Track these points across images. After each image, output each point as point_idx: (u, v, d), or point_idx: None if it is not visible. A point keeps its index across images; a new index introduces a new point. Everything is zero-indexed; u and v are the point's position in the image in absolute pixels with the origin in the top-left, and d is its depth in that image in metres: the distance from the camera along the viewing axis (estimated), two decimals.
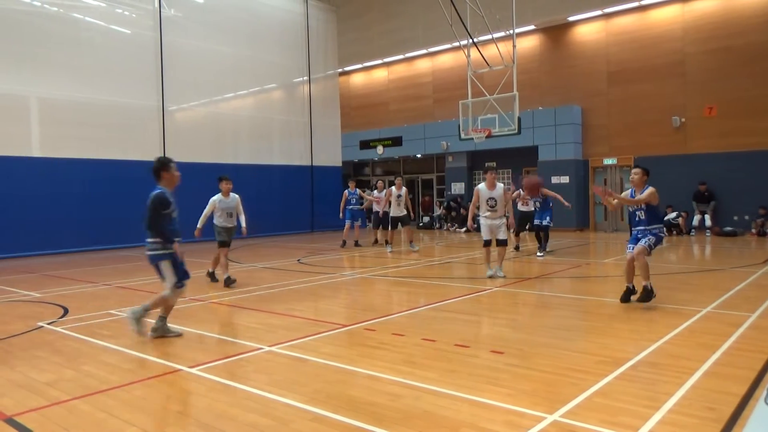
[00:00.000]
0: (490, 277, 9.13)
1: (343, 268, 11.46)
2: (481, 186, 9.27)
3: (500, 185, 9.26)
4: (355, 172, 27.46)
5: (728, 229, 16.54)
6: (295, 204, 20.99)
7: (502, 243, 9.42)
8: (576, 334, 5.72)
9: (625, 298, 6.84)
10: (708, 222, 16.92)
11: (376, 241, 15.48)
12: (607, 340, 5.32)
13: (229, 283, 8.86)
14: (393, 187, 13.79)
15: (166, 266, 5.61)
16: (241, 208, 9.27)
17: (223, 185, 9.07)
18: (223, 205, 9.05)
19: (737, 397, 3.74)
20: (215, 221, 9.12)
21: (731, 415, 3.46)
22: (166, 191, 5.60)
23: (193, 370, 4.62)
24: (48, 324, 6.48)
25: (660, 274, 9.17)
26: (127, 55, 16.58)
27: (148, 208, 5.47)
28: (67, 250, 15.01)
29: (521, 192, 12.74)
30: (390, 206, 13.86)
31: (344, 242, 14.84)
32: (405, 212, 13.77)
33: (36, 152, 14.93)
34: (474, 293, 7.94)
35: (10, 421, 3.62)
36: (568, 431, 3.29)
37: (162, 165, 5.67)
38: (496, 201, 9.12)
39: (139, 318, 5.61)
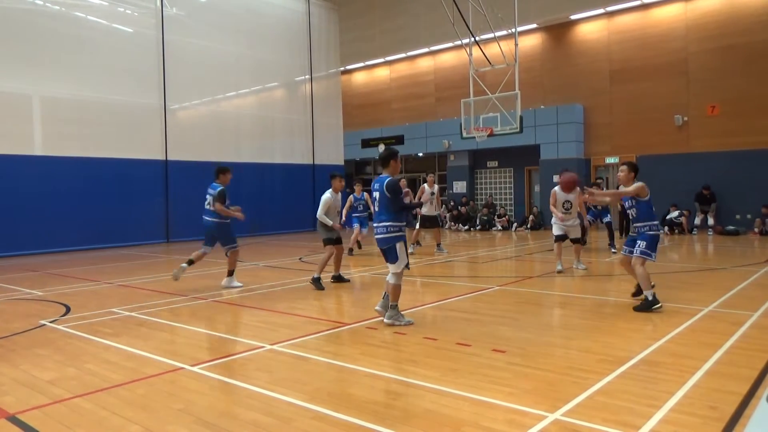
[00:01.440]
0: (559, 272, 9.47)
1: (345, 266, 11.45)
2: (558, 188, 9.69)
3: (576, 188, 9.61)
4: (356, 171, 27.46)
5: (730, 228, 16.50)
6: (296, 202, 20.98)
7: (577, 241, 9.91)
8: (578, 333, 5.71)
9: (636, 292, 7.02)
10: (710, 221, 16.89)
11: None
12: (608, 338, 5.31)
13: (341, 279, 8.89)
14: (425, 185, 13.10)
15: (401, 248, 5.99)
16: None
17: (337, 182, 8.85)
18: (336, 202, 8.77)
19: (739, 396, 3.74)
20: (321, 219, 8.63)
21: (733, 414, 3.45)
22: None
23: (195, 369, 4.62)
24: (50, 322, 6.50)
25: (662, 273, 9.15)
26: (129, 53, 16.60)
27: (384, 194, 5.94)
28: (69, 248, 15.03)
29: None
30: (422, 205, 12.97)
31: (351, 250, 13.31)
32: (435, 212, 13.14)
33: (38, 151, 14.96)
34: (476, 292, 7.94)
35: (13, 419, 3.63)
36: (570, 430, 3.29)
37: (393, 154, 6.16)
38: (571, 204, 9.60)
39: (395, 315, 5.96)
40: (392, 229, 5.99)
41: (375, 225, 6.10)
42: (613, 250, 12.43)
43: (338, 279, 8.97)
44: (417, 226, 13.46)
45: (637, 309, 6.44)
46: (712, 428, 3.27)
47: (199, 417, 3.61)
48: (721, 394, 3.78)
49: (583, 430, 3.27)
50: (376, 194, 6.08)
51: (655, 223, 6.63)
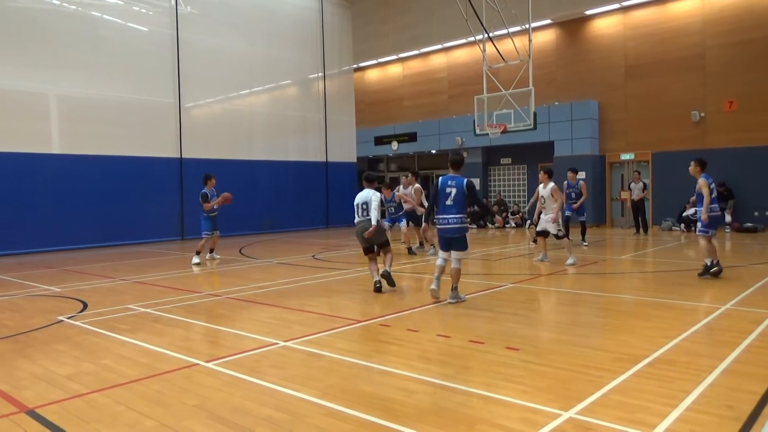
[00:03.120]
0: (539, 261, 10.66)
1: (358, 264, 11.47)
2: (540, 187, 10.75)
3: (551, 184, 10.51)
4: (369, 168, 27.45)
5: (748, 225, 16.27)
6: (309, 200, 21.07)
7: (543, 234, 10.75)
8: (592, 331, 5.67)
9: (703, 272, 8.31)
10: (728, 218, 16.65)
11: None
12: (624, 337, 5.26)
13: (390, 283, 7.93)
14: (401, 186, 13.22)
15: (467, 237, 7.03)
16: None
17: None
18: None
19: (757, 395, 3.68)
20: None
21: (750, 413, 3.41)
22: None
23: (210, 365, 4.66)
24: (68, 318, 6.59)
25: (679, 271, 9.07)
26: (144, 52, 16.76)
27: (466, 192, 6.83)
28: (85, 245, 15.23)
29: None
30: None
31: (410, 249, 12.73)
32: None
33: (55, 149, 15.16)
34: (489, 290, 7.91)
35: (31, 413, 3.69)
36: (584, 428, 3.26)
37: (464, 159, 7.18)
38: (545, 199, 10.54)
39: (457, 295, 6.89)
40: (464, 221, 6.91)
41: (446, 216, 6.86)
42: (584, 245, 13.17)
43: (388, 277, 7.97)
44: (421, 225, 12.90)
45: (699, 275, 8.21)
46: (729, 428, 3.23)
47: (213, 412, 3.64)
48: (738, 393, 3.72)
49: (597, 429, 3.24)
50: (451, 190, 6.86)
51: (712, 206, 8.26)
